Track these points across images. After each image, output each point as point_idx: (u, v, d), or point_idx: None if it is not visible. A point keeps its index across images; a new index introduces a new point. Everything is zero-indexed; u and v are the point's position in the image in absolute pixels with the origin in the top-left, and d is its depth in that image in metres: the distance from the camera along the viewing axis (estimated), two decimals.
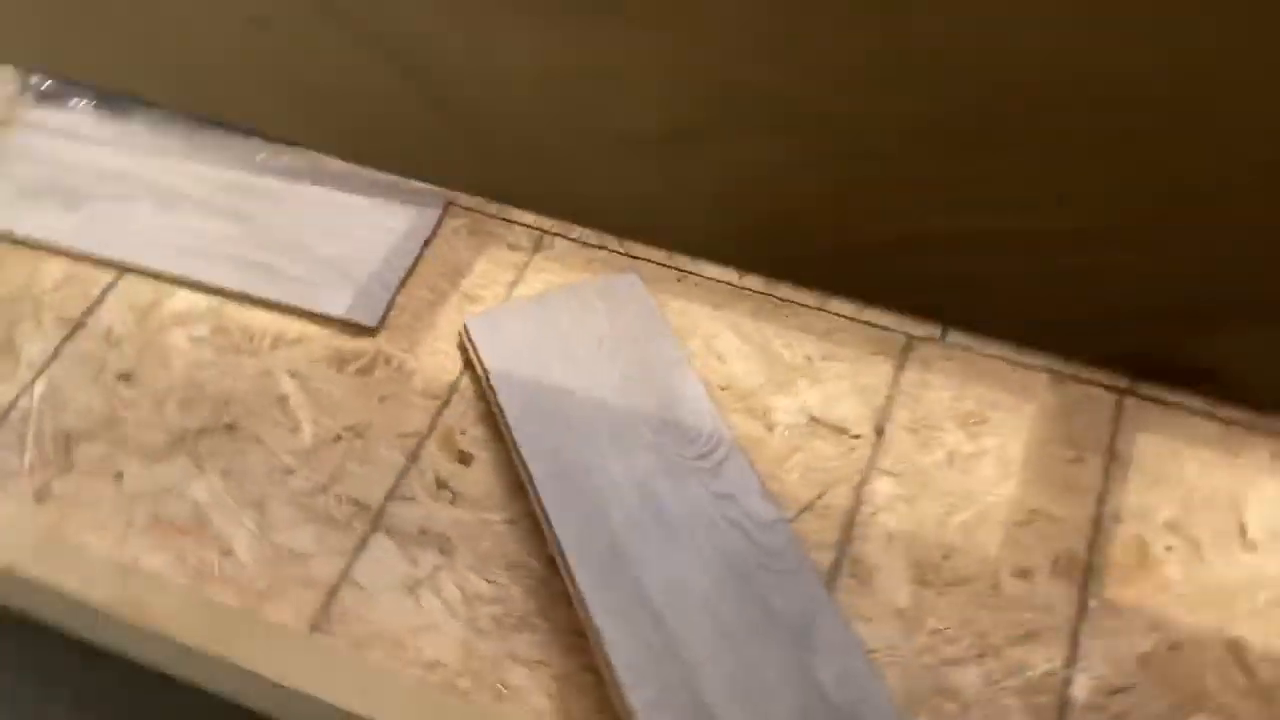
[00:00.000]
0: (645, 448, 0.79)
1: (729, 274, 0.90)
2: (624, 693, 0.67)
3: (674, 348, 0.85)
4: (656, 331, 0.86)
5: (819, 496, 0.79)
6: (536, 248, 0.93)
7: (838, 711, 0.66)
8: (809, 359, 0.85)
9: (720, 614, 0.71)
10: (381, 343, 0.89)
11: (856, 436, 0.82)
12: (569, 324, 0.86)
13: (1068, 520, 0.77)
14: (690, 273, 0.91)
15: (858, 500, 0.79)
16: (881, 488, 0.79)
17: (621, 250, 0.93)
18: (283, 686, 0.71)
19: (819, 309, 0.88)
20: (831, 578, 0.75)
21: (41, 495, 0.81)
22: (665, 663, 0.68)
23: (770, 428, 0.82)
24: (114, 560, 0.77)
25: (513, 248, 0.94)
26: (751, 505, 0.76)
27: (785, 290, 0.89)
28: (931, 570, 0.75)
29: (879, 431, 0.82)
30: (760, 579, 0.72)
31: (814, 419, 0.83)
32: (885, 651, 0.72)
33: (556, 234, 0.94)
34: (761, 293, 0.89)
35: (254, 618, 0.74)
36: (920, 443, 0.81)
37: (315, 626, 0.74)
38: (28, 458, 0.83)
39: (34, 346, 0.90)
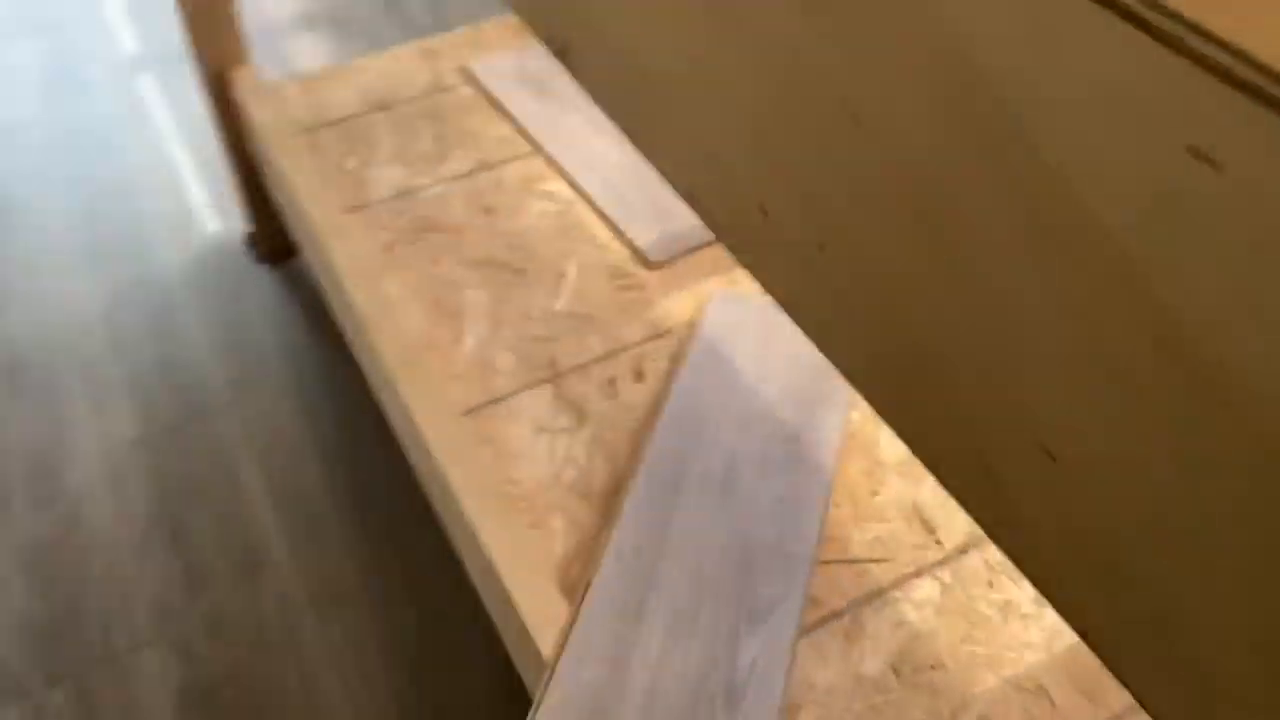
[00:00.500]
0: (762, 437, 0.90)
1: None
2: (597, 571, 0.80)
3: (845, 393, 0.94)
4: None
5: (867, 562, 0.84)
6: None
7: (732, 684, 0.73)
8: None
9: (706, 567, 0.80)
10: (652, 277, 1.08)
11: (939, 543, 0.86)
12: (788, 334, 0.99)
13: (1070, 714, 0.75)
14: None
15: (896, 583, 0.83)
16: (925, 588, 0.83)
17: None
18: (416, 426, 0.93)
19: None
20: (823, 620, 0.81)
21: (387, 248, 1.11)
22: (638, 574, 0.80)
23: (874, 493, 0.89)
24: (391, 299, 1.04)
25: None
26: (803, 522, 0.84)
27: None
28: (912, 668, 0.78)
29: (962, 550, 0.85)
30: (760, 567, 0.81)
31: (916, 507, 0.88)
32: (821, 691, 0.77)
33: None
34: None
35: (435, 381, 0.96)
36: (989, 581, 0.83)
37: (468, 412, 0.95)
38: (398, 223, 1.14)
39: (452, 165, 1.21)
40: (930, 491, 0.89)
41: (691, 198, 0.54)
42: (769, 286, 0.50)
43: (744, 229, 0.50)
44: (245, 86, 1.30)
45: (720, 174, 0.51)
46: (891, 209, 0.40)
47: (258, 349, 1.43)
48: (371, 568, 1.20)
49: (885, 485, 0.90)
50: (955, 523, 0.87)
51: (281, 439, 1.32)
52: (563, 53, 0.63)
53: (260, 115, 1.26)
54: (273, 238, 1.53)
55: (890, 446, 0.92)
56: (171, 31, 1.89)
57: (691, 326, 1.03)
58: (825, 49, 0.40)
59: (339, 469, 1.29)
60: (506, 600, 0.81)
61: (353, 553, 1.21)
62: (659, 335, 1.02)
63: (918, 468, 0.90)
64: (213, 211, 1.64)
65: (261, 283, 1.53)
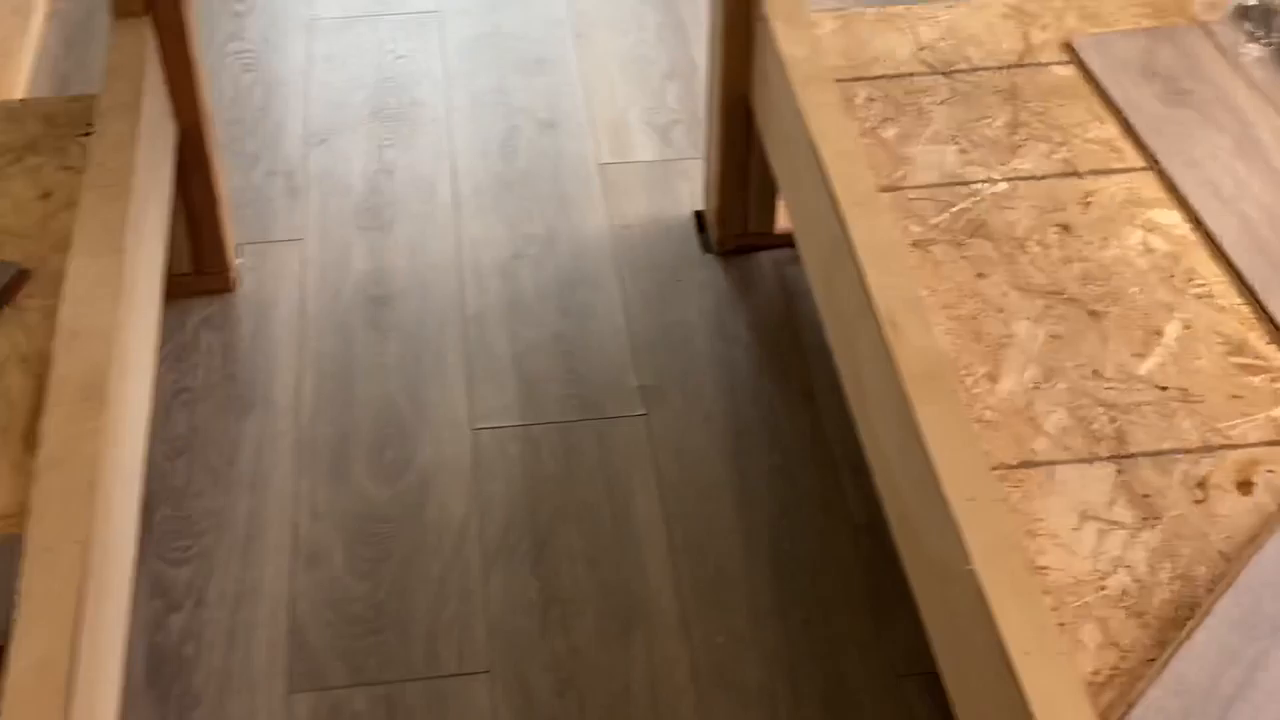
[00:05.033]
0: None
1: None
2: (1142, 700, 0.92)
3: None
4: None
5: None
6: None
7: None
8: None
9: None
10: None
11: None
12: None
13: None
14: None
15: None
16: None
17: None
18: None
19: None
20: None
21: (921, 245, 1.30)
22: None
23: None
24: (918, 306, 1.22)
25: None
26: None
27: None
28: None
29: None
30: None
31: None
32: None
33: None
34: None
35: (959, 420, 1.13)
36: None
37: (997, 468, 1.10)
38: (941, 218, 1.33)
39: (1026, 161, 1.39)
40: None
41: None
42: None
43: None
44: (779, 10, 1.55)
45: None
46: None
47: (684, 355, 1.67)
48: (778, 648, 1.38)
49: None
50: None
51: (694, 471, 1.54)
52: None
53: (790, 49, 1.50)
54: (730, 225, 1.78)
55: None
56: None
57: None
58: None
59: (759, 518, 1.49)
60: (1017, 697, 0.94)
61: (757, 630, 1.39)
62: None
63: None
64: (662, 175, 1.93)
65: (703, 276, 1.78)
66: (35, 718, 0.95)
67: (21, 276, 1.29)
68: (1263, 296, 1.24)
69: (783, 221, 1.77)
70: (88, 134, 1.43)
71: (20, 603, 1.01)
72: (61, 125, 1.47)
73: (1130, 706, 0.93)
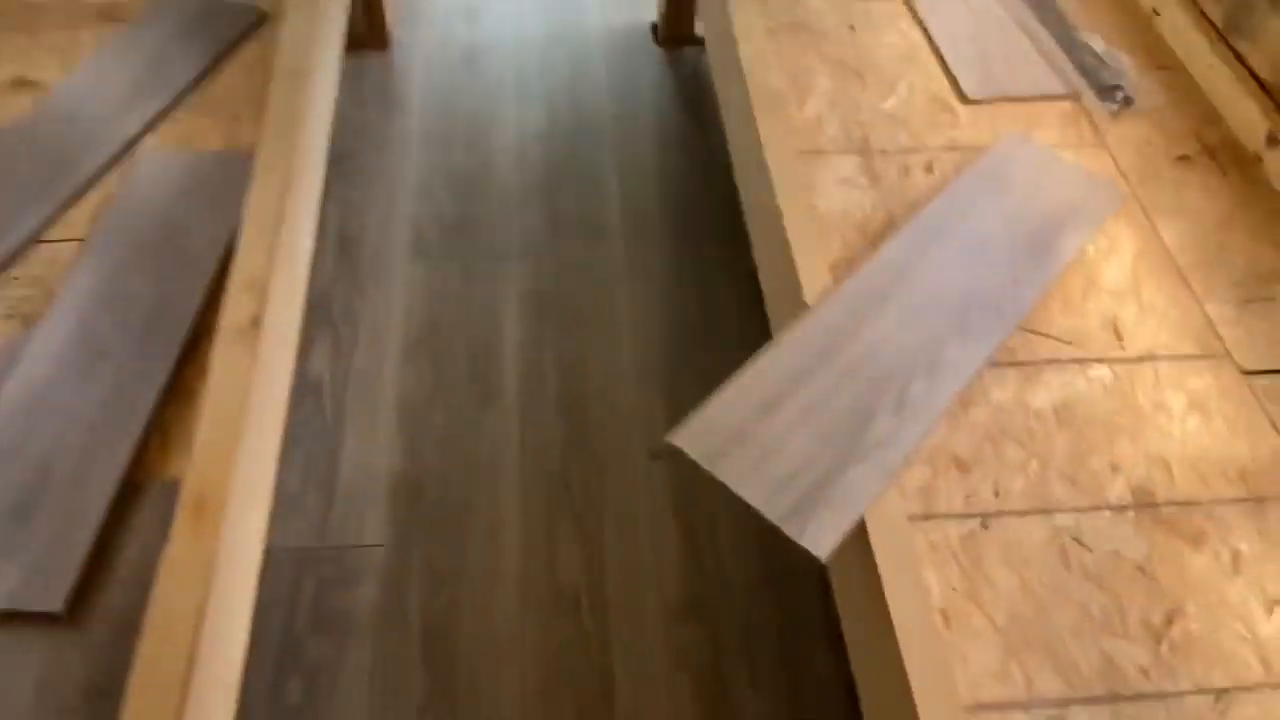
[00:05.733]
0: (1014, 233, 0.95)
1: None
2: (859, 268, 0.90)
3: (1090, 229, 0.97)
4: (1092, 220, 0.98)
5: (1060, 341, 0.89)
6: None
7: (935, 363, 0.82)
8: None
9: (940, 293, 0.88)
10: (964, 110, 1.12)
11: (1123, 348, 0.89)
12: (1060, 174, 1.02)
13: (1183, 489, 0.79)
14: None
15: (1078, 360, 0.88)
16: (1100, 372, 0.87)
17: None
18: None
19: None
20: (1012, 364, 0.87)
21: (772, 33, 1.20)
22: (889, 279, 0.89)
23: (1084, 300, 0.93)
24: (767, 65, 1.13)
25: None
26: (1021, 295, 0.90)
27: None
28: (1069, 414, 0.84)
29: (1140, 358, 0.89)
30: (979, 309, 0.88)
31: (1114, 319, 0.91)
32: (993, 403, 0.84)
33: None
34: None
35: (781, 128, 1.06)
36: (1154, 384, 0.87)
37: (797, 154, 1.05)
38: (785, 19, 1.22)
39: None
40: (1131, 314, 0.92)
41: None
42: None
43: None
44: None
45: None
46: None
47: (638, 99, 1.58)
48: (674, 258, 1.35)
49: (1094, 299, 0.93)
50: (1141, 338, 0.90)
51: (638, 160, 1.48)
52: None
53: None
54: (671, 29, 1.66)
55: (1109, 276, 0.95)
56: None
57: (982, 150, 1.07)
58: None
59: (671, 188, 1.44)
60: (793, 272, 0.92)
61: (665, 246, 1.36)
62: (954, 149, 1.08)
63: (1127, 293, 0.94)
64: (632, 4, 1.78)
65: (653, 58, 1.66)
66: (259, 242, 0.91)
67: (263, 16, 1.18)
68: (954, 72, 1.16)
69: (698, 30, 1.65)
70: None
71: (251, 190, 0.96)
72: None
73: (852, 273, 0.91)
